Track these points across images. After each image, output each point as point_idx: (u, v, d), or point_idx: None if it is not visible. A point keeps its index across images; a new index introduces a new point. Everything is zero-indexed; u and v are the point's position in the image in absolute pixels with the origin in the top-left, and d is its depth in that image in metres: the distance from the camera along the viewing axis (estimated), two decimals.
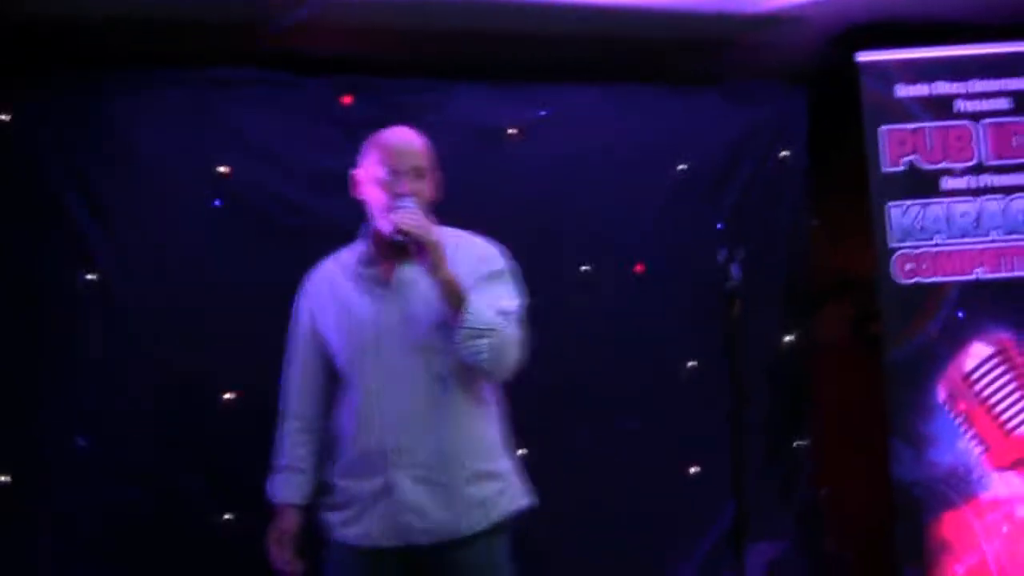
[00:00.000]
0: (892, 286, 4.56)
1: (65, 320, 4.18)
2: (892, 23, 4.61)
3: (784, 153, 4.79)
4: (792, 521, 4.72)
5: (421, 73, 4.58)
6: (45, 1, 4.03)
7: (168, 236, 4.29)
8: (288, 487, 3.10)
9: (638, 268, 4.61)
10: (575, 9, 4.35)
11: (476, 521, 2.96)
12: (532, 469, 3.28)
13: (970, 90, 4.65)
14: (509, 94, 4.63)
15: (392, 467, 2.92)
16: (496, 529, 3.00)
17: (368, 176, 3.03)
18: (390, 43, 4.53)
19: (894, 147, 4.61)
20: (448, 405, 2.95)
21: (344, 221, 4.26)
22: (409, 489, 2.91)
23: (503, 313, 2.94)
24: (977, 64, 4.64)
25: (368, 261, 3.03)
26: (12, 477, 4.07)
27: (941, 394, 4.55)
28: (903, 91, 4.64)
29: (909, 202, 4.59)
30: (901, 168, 4.61)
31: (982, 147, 4.63)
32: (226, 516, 4.21)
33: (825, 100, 4.83)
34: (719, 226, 4.65)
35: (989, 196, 4.60)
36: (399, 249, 2.91)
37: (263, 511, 3.62)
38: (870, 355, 4.81)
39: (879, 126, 4.62)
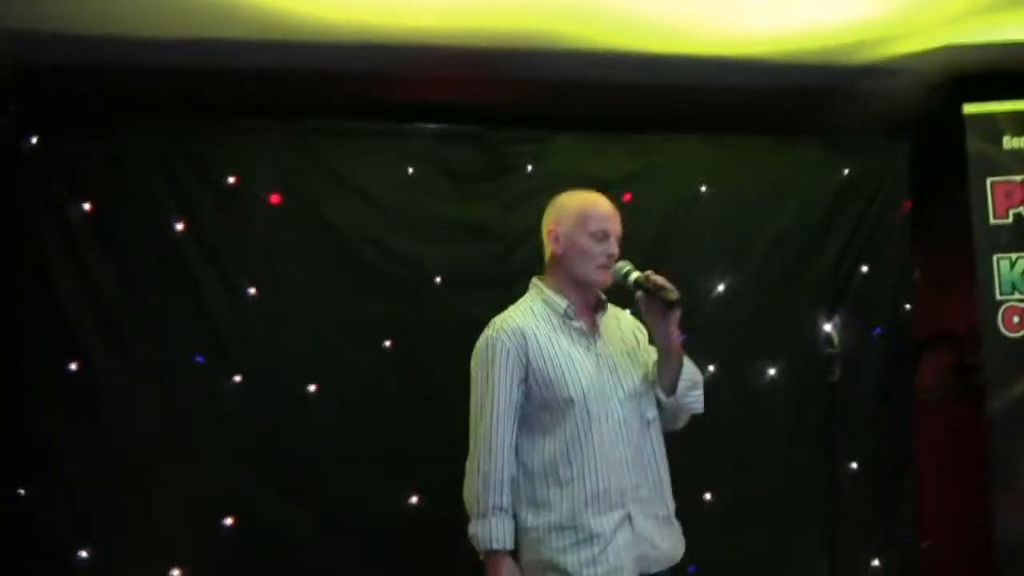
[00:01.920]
0: (998, 338, 4.56)
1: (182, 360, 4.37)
2: (999, 74, 4.63)
3: (887, 205, 4.81)
4: (891, 574, 4.69)
5: (523, 123, 4.71)
6: (155, 51, 4.22)
7: (279, 281, 4.47)
8: (508, 532, 3.11)
9: None
10: (678, 60, 4.46)
11: (680, 551, 3.28)
12: None
13: None
14: (611, 144, 4.73)
15: (629, 502, 3.15)
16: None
17: (577, 233, 3.26)
18: (494, 92, 4.66)
19: (1001, 199, 4.62)
20: (655, 446, 3.26)
21: (453, 271, 4.46)
22: (642, 522, 3.16)
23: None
24: None
25: (575, 314, 3.26)
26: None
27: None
28: (1011, 142, 4.63)
29: (1016, 254, 4.57)
30: (1009, 220, 4.60)
31: None
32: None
33: (929, 151, 4.84)
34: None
35: None
36: (671, 303, 3.13)
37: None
38: (973, 407, 4.79)
39: (986, 178, 4.62)
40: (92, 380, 4.31)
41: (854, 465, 4.64)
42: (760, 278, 4.69)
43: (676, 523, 3.29)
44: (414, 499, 4.44)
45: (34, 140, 4.31)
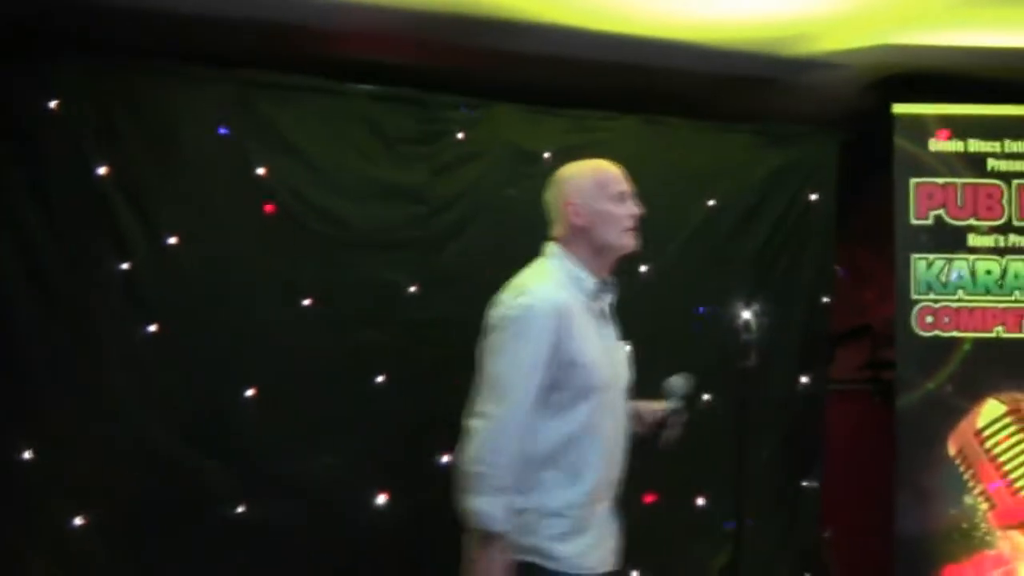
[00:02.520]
0: (910, 337, 4.67)
1: (101, 308, 4.29)
2: (931, 76, 4.73)
3: (813, 197, 4.87)
4: (793, 561, 4.77)
5: (460, 90, 4.70)
6: None
7: (203, 232, 4.41)
8: (513, 515, 2.92)
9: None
10: (618, 38, 4.47)
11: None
12: None
13: (1004, 150, 4.72)
14: (547, 118, 4.76)
15: (610, 495, 3.13)
16: None
17: (598, 200, 3.14)
18: (432, 56, 4.64)
19: (923, 200, 4.72)
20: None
21: (376, 232, 4.46)
22: (614, 513, 3.15)
23: None
24: (1013, 124, 4.76)
25: (596, 295, 3.13)
26: (36, 455, 4.16)
27: (951, 448, 4.61)
28: (936, 145, 4.72)
29: (934, 255, 4.67)
30: (929, 221, 4.68)
31: (1012, 207, 4.71)
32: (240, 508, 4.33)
33: (858, 148, 4.92)
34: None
35: (1015, 256, 4.70)
36: (664, 418, 3.22)
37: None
38: (883, 403, 4.89)
39: (910, 178, 4.72)
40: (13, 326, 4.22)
41: (763, 454, 4.70)
42: (685, 261, 4.75)
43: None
44: (326, 459, 4.42)
45: None
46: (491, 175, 4.63)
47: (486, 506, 2.86)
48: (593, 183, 3.17)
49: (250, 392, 4.38)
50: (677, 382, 3.25)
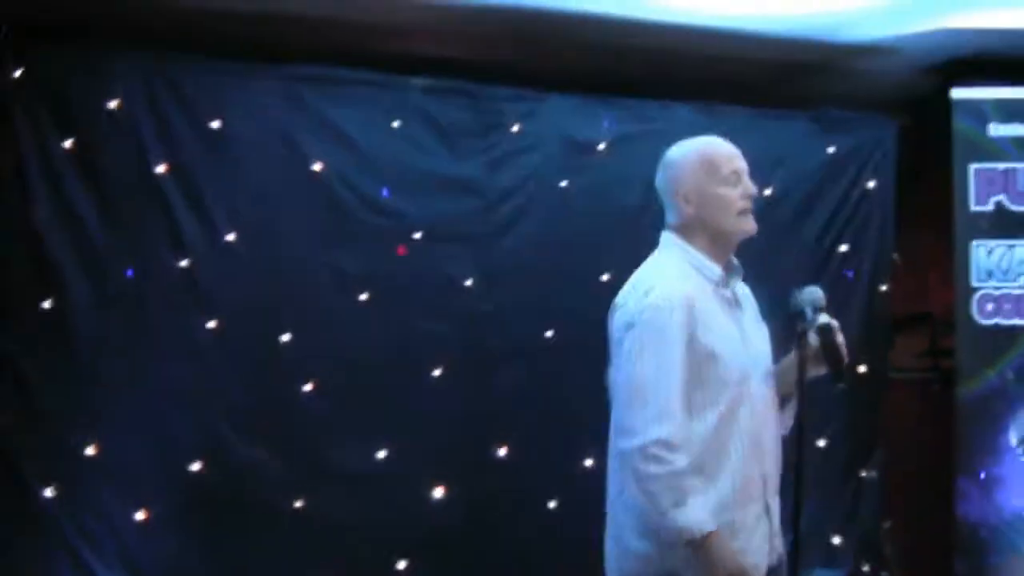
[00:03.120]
0: (971, 325, 4.65)
1: (159, 301, 4.34)
2: (990, 59, 4.68)
3: (871, 184, 4.83)
4: (852, 551, 4.76)
5: (515, 81, 4.71)
6: None
7: (260, 228, 4.45)
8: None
9: None
10: (673, 27, 4.46)
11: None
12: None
13: None
14: (602, 107, 4.76)
15: (769, 492, 2.84)
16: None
17: (709, 184, 2.89)
18: (487, 48, 4.66)
19: (983, 186, 4.67)
20: (780, 430, 2.94)
21: (432, 225, 4.48)
22: (776, 512, 2.85)
23: None
24: None
25: (724, 282, 2.89)
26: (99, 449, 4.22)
27: (1013, 437, 4.57)
28: (996, 129, 4.67)
29: (995, 242, 4.63)
30: (989, 207, 4.64)
31: None
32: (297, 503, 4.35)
33: (916, 133, 4.89)
34: None
35: None
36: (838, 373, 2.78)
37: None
38: (943, 391, 4.85)
39: (969, 163, 4.67)
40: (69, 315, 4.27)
41: (822, 442, 4.68)
42: (744, 250, 4.71)
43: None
44: (383, 453, 4.46)
45: (18, 72, 4.25)
46: (546, 167, 4.63)
47: (685, 519, 2.64)
48: (701, 165, 2.91)
49: (308, 387, 4.42)
50: (803, 294, 2.82)
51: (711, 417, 2.76)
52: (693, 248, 2.90)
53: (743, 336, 2.86)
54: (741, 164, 2.92)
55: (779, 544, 2.86)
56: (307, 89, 4.53)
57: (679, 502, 2.64)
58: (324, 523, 4.38)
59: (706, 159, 2.91)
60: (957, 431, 4.64)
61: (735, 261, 2.90)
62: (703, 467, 2.74)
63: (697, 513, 2.65)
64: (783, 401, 2.90)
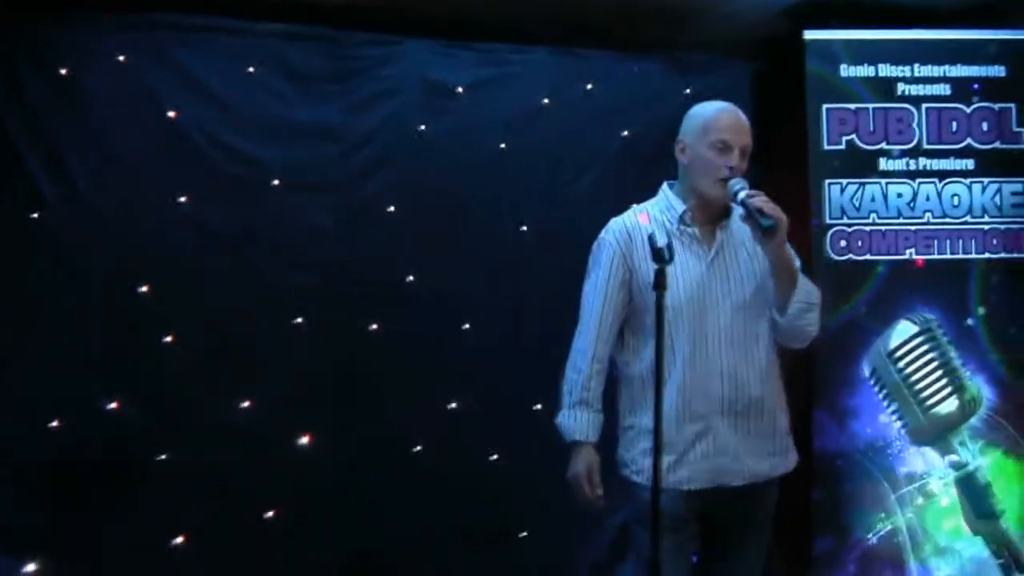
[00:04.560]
0: (825, 261, 4.77)
1: (13, 257, 4.26)
2: (841, 2, 4.78)
3: None
4: None
5: (372, 27, 4.69)
6: None
7: (114, 177, 4.38)
8: (591, 424, 3.31)
9: None
10: None
11: (774, 469, 3.36)
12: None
13: (913, 74, 4.79)
14: (460, 52, 4.78)
15: (713, 414, 3.23)
16: (780, 480, 3.39)
17: (698, 144, 3.32)
18: None
19: (835, 126, 4.79)
20: (761, 362, 3.30)
21: (291, 172, 4.45)
22: (727, 435, 3.25)
23: (816, 286, 3.36)
24: (921, 49, 4.85)
25: (690, 221, 3.32)
26: None
27: (866, 369, 4.73)
28: (847, 71, 4.78)
29: (847, 181, 4.74)
30: (841, 147, 4.75)
31: (922, 131, 4.79)
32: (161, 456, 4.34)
33: (771, 75, 4.98)
34: None
35: (925, 179, 4.80)
36: (766, 229, 3.16)
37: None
38: None
39: (822, 104, 4.78)
40: None
41: None
42: (602, 191, 4.78)
43: (780, 442, 3.36)
44: (247, 403, 4.46)
45: None
46: (404, 112, 4.64)
47: (563, 419, 3.31)
48: (701, 126, 3.34)
49: (169, 338, 4.40)
50: (729, 189, 3.26)
51: (652, 341, 3.09)
52: (673, 192, 3.39)
53: (708, 271, 3.28)
54: (732, 137, 3.30)
55: (737, 465, 3.26)
56: (162, 37, 4.46)
57: (569, 404, 3.31)
58: (189, 476, 4.37)
59: (706, 122, 3.35)
60: (813, 365, 4.76)
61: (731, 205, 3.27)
62: (644, 383, 3.26)
63: (572, 421, 3.29)
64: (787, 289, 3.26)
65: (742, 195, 3.20)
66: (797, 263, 3.33)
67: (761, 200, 3.18)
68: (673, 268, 3.08)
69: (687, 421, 3.23)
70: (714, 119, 3.34)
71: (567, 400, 3.32)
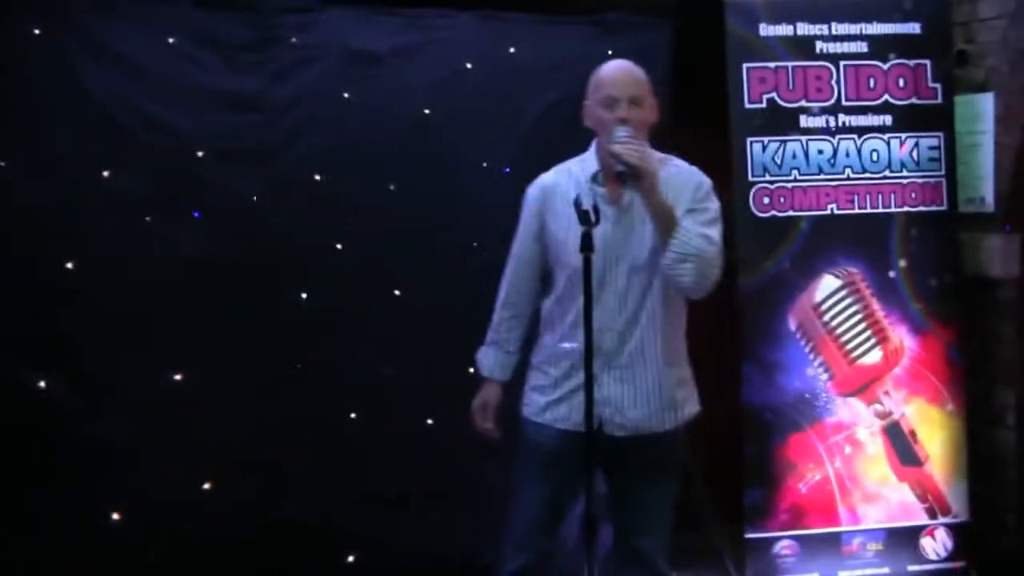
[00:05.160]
0: (749, 218, 4.82)
1: None
2: None
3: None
4: None
5: None
6: None
7: (31, 149, 4.33)
8: (497, 363, 3.62)
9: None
10: None
11: (661, 423, 3.47)
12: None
13: (831, 32, 4.85)
14: (381, 17, 4.76)
15: (600, 366, 3.31)
16: (679, 430, 3.52)
17: (592, 104, 3.41)
18: None
19: (756, 84, 4.83)
20: (653, 318, 3.41)
21: (205, 140, 4.41)
22: (612, 386, 3.37)
23: (706, 238, 3.31)
24: (838, 8, 4.92)
25: (601, 180, 3.39)
26: None
27: (792, 323, 4.81)
28: (767, 30, 4.83)
29: (768, 138, 4.81)
30: (762, 105, 4.81)
31: (841, 88, 4.86)
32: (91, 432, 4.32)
33: (692, 34, 5.00)
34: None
35: (844, 135, 4.88)
36: (619, 174, 3.24)
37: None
38: (727, 283, 5.01)
39: (743, 63, 4.83)
40: None
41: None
42: (527, 154, 4.78)
43: (668, 396, 3.46)
44: (178, 376, 4.44)
45: None
46: (327, 79, 4.61)
47: (478, 355, 3.65)
48: (593, 85, 3.45)
49: (95, 312, 4.36)
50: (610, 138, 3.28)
51: (556, 291, 3.46)
52: (593, 148, 3.47)
53: (613, 229, 3.34)
54: (617, 91, 3.35)
55: (620, 418, 3.38)
56: (77, 8, 4.40)
57: (485, 343, 3.64)
58: (119, 452, 4.35)
59: (596, 81, 3.45)
60: (741, 319, 4.84)
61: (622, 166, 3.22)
62: (544, 327, 3.53)
63: (482, 357, 3.65)
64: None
65: (614, 141, 3.24)
66: (708, 216, 3.37)
67: (621, 147, 3.22)
68: (575, 224, 3.17)
69: (573, 368, 3.35)
70: (600, 77, 3.44)
71: (486, 338, 3.63)
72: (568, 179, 3.46)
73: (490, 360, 3.63)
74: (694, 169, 3.52)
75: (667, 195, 3.29)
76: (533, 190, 3.53)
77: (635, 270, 3.35)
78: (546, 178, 3.53)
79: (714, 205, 3.44)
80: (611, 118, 3.31)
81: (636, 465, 3.46)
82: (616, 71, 3.43)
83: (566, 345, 3.39)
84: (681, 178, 3.44)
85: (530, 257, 3.53)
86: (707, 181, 3.49)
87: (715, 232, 3.38)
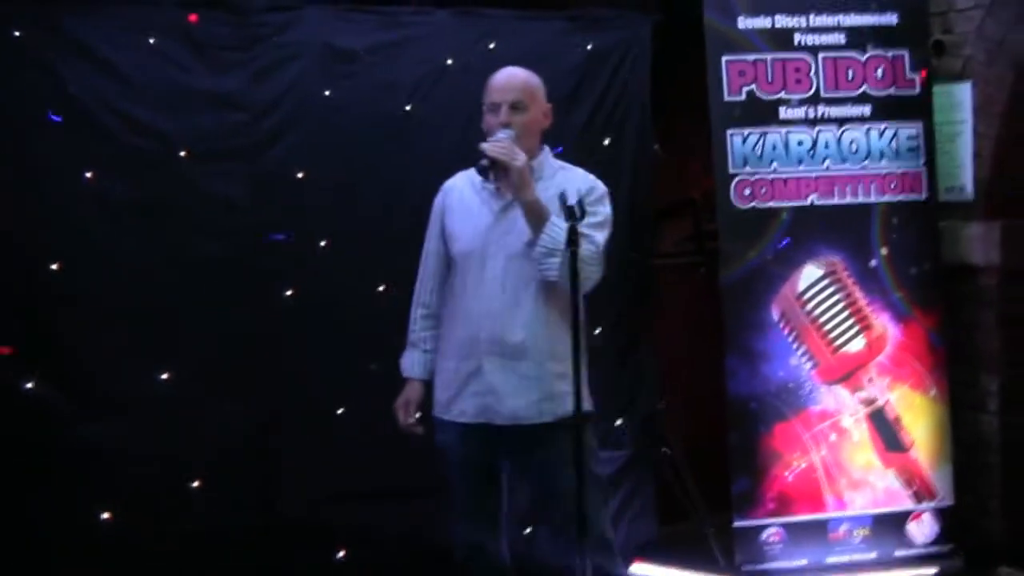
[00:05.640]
0: (730, 210, 4.87)
1: None
2: None
3: (629, 79, 5.00)
4: (633, 433, 4.95)
5: None
6: None
7: (16, 152, 4.34)
8: (413, 363, 3.78)
9: None
10: None
11: (543, 413, 3.53)
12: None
13: (809, 24, 4.89)
14: (361, 15, 4.76)
15: (483, 355, 3.51)
16: (562, 423, 3.46)
17: (485, 110, 3.60)
18: None
19: (735, 77, 4.87)
20: (530, 310, 3.51)
21: (189, 141, 4.43)
22: (495, 375, 3.51)
23: (587, 238, 3.38)
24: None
25: (493, 178, 3.53)
26: None
27: (775, 313, 4.85)
28: (745, 23, 4.86)
29: (748, 130, 4.84)
30: (742, 97, 4.84)
31: (819, 79, 4.90)
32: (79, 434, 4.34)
33: (671, 28, 5.02)
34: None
35: (824, 126, 4.93)
36: (481, 168, 3.45)
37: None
38: (710, 274, 5.06)
39: (721, 55, 4.86)
40: None
41: (598, 331, 4.83)
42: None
43: (550, 387, 3.49)
44: (164, 375, 4.44)
45: None
46: (308, 77, 4.61)
47: (402, 357, 3.81)
48: (484, 94, 3.61)
49: (81, 315, 4.36)
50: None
51: (450, 285, 3.66)
52: None
53: (495, 222, 3.56)
54: (498, 96, 3.55)
55: (501, 407, 3.49)
56: (57, 9, 4.38)
57: (406, 345, 3.81)
58: (110, 452, 4.35)
59: (486, 86, 3.62)
60: (724, 310, 4.87)
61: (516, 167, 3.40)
62: (447, 319, 3.67)
63: (403, 359, 3.81)
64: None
65: (489, 142, 3.47)
66: (595, 220, 3.48)
67: (488, 144, 3.45)
68: (465, 219, 3.59)
69: (462, 359, 3.54)
70: (488, 83, 3.62)
71: (407, 339, 3.81)
72: (465, 179, 3.68)
73: (408, 360, 3.79)
74: (590, 175, 3.70)
75: (550, 193, 3.44)
76: (440, 193, 3.76)
77: (512, 260, 3.49)
78: (450, 181, 3.76)
79: (604, 210, 3.61)
80: (495, 122, 3.53)
81: (527, 455, 3.56)
82: (500, 78, 3.60)
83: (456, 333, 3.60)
84: (575, 181, 3.61)
85: (436, 255, 3.72)
86: (601, 187, 3.66)
87: (599, 235, 3.52)
